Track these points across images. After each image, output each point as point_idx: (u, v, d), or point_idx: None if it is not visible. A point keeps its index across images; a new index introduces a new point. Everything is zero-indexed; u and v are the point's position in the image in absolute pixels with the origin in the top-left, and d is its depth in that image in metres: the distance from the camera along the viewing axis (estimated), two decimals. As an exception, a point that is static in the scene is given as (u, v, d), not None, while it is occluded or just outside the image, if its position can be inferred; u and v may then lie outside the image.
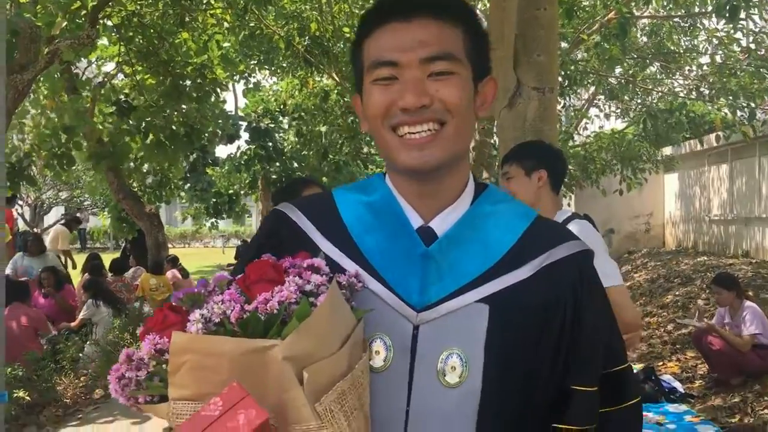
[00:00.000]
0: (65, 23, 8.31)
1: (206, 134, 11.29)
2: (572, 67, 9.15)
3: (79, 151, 10.15)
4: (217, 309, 0.97)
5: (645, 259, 13.41)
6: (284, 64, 10.95)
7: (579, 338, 1.16)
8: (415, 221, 1.19)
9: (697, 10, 10.20)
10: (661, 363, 6.87)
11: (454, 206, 1.19)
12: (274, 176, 17.22)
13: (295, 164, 17.00)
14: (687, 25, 10.76)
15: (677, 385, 5.98)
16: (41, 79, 8.70)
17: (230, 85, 11.03)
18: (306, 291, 1.00)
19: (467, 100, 1.15)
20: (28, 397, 6.03)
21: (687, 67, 11.62)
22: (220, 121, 11.25)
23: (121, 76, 11.70)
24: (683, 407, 5.60)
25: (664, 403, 5.68)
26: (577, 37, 8.93)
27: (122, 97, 10.84)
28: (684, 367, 6.69)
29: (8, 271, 8.86)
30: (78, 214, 16.86)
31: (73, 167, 10.85)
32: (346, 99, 10.52)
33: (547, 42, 4.38)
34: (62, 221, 14.38)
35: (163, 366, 0.97)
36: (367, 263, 1.16)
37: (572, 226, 2.81)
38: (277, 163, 17.33)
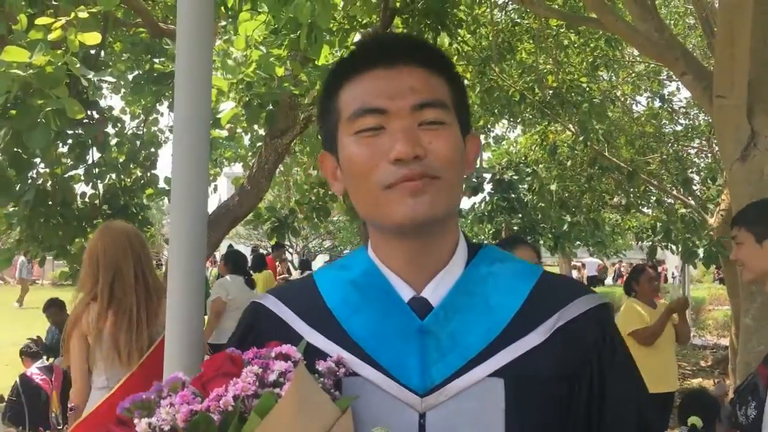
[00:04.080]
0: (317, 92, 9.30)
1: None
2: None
3: (336, 202, 11.19)
4: (165, 414, 0.84)
5: None
6: (525, 115, 10.98)
7: (608, 408, 1.02)
8: (406, 293, 1.05)
9: None
10: None
11: (446, 270, 1.06)
12: (516, 228, 17.23)
13: (539, 216, 16.86)
14: None
15: None
16: (299, 140, 9.75)
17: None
18: (269, 382, 0.87)
19: (459, 154, 1.04)
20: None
21: None
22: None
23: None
24: None
25: None
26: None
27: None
28: None
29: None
30: (305, 258, 18.34)
31: (329, 218, 11.86)
32: (576, 150, 10.24)
33: (788, 88, 3.95)
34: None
35: None
36: (357, 348, 1.02)
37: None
38: (520, 215, 17.32)
